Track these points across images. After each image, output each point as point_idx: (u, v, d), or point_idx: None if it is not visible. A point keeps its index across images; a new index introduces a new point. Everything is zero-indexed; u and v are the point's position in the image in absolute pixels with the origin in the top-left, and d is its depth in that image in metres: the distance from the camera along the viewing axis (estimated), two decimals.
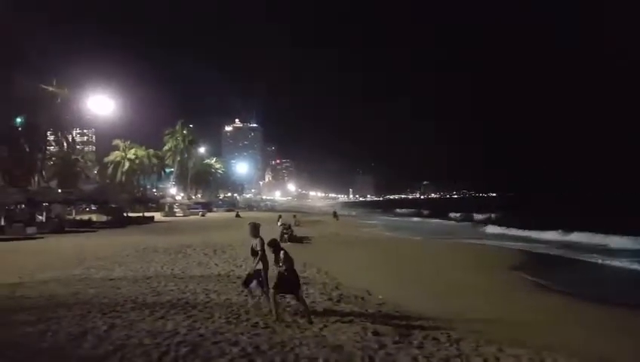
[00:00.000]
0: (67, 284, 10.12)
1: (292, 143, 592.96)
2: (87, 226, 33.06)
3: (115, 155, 76.02)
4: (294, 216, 35.01)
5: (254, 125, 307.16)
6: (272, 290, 7.22)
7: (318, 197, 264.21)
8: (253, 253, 7.59)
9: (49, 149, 62.37)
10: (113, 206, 41.71)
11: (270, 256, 7.43)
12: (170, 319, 6.94)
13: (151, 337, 5.98)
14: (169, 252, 16.54)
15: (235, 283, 10.30)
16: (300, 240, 20.74)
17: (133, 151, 77.06)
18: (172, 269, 12.61)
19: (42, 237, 24.30)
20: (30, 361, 5.16)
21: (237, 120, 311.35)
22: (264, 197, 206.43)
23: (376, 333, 6.54)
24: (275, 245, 7.43)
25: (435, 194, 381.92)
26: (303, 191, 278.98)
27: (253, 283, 7.62)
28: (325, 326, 6.84)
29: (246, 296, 8.19)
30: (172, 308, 7.76)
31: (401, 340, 6.30)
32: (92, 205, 47.59)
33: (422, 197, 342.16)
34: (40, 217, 32.34)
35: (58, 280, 10.72)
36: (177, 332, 6.22)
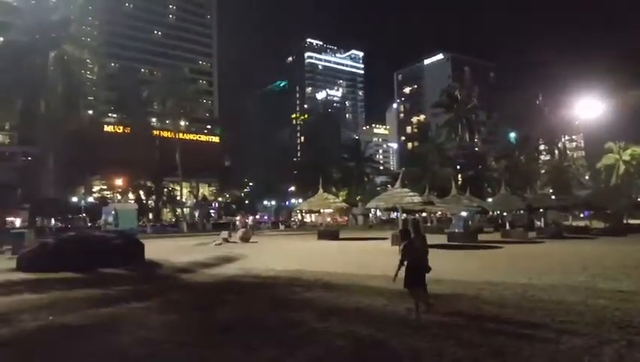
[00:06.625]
0: (573, 290, 10.22)
1: None
2: (584, 232, 32.42)
3: (607, 158, 71.17)
4: None
5: None
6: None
7: None
8: None
9: (541, 158, 66.37)
10: (609, 212, 38.96)
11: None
12: None
13: None
14: None
15: None
16: None
17: (629, 152, 69.63)
18: None
19: (542, 242, 25.82)
20: None
21: None
22: None
23: None
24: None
25: None
26: None
27: None
28: None
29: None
30: None
31: None
32: (585, 211, 46.41)
33: None
34: (538, 223, 34.51)
35: (565, 285, 11.01)
36: None
